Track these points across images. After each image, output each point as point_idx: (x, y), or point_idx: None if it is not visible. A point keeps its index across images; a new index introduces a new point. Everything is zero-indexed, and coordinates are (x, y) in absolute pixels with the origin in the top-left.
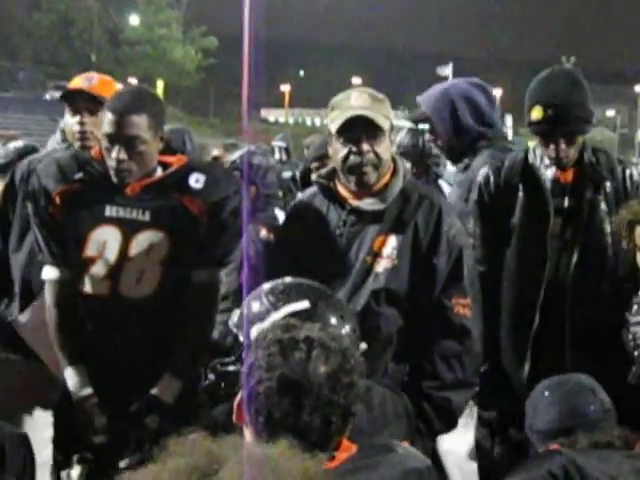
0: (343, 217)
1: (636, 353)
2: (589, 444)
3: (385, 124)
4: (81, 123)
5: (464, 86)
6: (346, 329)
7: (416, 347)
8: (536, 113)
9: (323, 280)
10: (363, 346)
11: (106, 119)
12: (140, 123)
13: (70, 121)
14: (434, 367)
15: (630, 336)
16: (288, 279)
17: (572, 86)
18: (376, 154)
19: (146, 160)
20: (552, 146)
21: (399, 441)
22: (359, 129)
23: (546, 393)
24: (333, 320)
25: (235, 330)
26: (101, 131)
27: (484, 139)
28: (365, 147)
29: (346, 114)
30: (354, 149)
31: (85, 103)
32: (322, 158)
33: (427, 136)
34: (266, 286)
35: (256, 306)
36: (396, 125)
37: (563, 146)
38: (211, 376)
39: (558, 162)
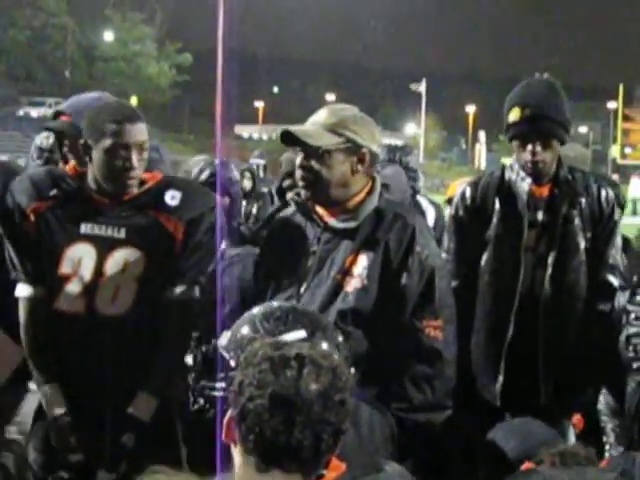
0: (318, 234)
1: (635, 365)
2: (560, 462)
3: (326, 141)
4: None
5: None
6: (339, 356)
7: (384, 369)
8: (513, 115)
9: (294, 297)
10: (352, 371)
11: (114, 130)
12: (144, 129)
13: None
14: (403, 389)
15: (630, 347)
16: (281, 304)
17: (549, 91)
18: (313, 171)
19: (143, 170)
20: (529, 147)
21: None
22: (299, 145)
23: (502, 432)
24: (332, 349)
25: (224, 353)
26: (105, 143)
27: None
28: (303, 162)
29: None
30: (296, 162)
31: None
32: (293, 174)
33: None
34: (258, 310)
35: (247, 330)
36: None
37: (539, 148)
38: (200, 400)
39: (535, 167)
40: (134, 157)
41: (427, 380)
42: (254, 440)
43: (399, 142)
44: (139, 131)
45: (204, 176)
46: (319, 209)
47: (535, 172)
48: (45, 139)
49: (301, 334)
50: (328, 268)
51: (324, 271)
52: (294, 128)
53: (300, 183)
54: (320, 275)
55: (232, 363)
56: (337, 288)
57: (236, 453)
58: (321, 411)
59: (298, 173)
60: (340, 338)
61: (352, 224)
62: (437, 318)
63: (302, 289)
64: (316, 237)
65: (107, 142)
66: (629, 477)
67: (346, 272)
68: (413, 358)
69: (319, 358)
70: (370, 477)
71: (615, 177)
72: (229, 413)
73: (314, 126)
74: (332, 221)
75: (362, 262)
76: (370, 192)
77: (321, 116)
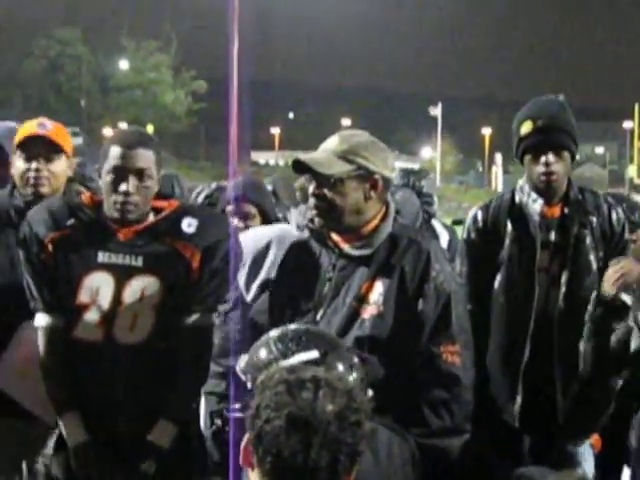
0: (333, 261)
1: None
2: None
3: (338, 170)
4: (37, 169)
5: None
6: (354, 376)
7: (402, 395)
8: (525, 128)
9: (310, 324)
10: (370, 393)
11: (113, 153)
12: (149, 157)
13: (22, 167)
14: (421, 415)
15: None
16: (296, 326)
17: (559, 106)
18: (326, 199)
19: (148, 198)
20: (542, 159)
21: None
22: (311, 173)
23: None
24: (341, 368)
25: (242, 376)
26: (105, 167)
27: None
28: (315, 191)
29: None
30: (310, 190)
31: (41, 149)
32: (238, 200)
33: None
34: (274, 333)
35: (264, 353)
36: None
37: (552, 159)
38: (218, 422)
39: (547, 180)
40: (131, 182)
41: (445, 405)
42: (271, 462)
43: (414, 166)
44: (139, 157)
45: (200, 198)
46: (334, 235)
47: (547, 186)
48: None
49: (314, 354)
50: (344, 295)
51: (340, 298)
52: (304, 157)
53: (313, 211)
54: (336, 302)
55: (249, 385)
56: (353, 315)
57: (253, 478)
58: (337, 432)
59: (311, 201)
60: (355, 359)
61: (367, 251)
62: (454, 343)
63: (318, 316)
64: (331, 264)
65: (106, 166)
66: None
67: (362, 299)
68: (431, 384)
69: (334, 381)
70: None
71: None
72: (246, 437)
73: (325, 153)
74: (347, 248)
75: (378, 289)
76: (384, 218)
77: (332, 143)
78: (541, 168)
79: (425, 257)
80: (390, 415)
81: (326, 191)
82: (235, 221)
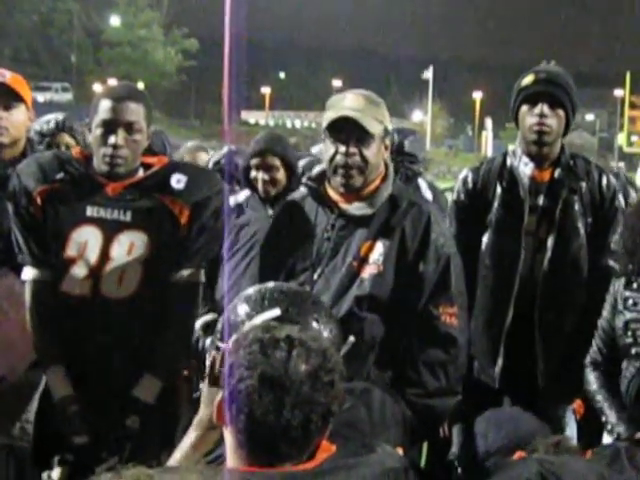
0: (332, 221)
1: (634, 351)
2: (553, 452)
3: (376, 128)
4: None
5: None
6: (324, 330)
7: (400, 354)
8: (527, 79)
9: (307, 283)
10: (351, 339)
11: (103, 106)
12: (138, 110)
13: None
14: (418, 375)
15: (629, 333)
16: (267, 285)
17: (563, 71)
18: (363, 157)
19: (137, 152)
20: (537, 109)
21: (394, 446)
22: (348, 131)
23: (491, 420)
24: (310, 323)
25: (217, 337)
26: (95, 120)
27: None
28: (352, 149)
29: (336, 114)
30: (341, 149)
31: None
32: (262, 153)
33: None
34: (245, 293)
35: (234, 315)
36: None
37: (547, 110)
38: (202, 386)
39: (540, 131)
40: (120, 135)
41: (442, 366)
42: (243, 421)
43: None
44: (129, 110)
45: (210, 165)
46: (333, 195)
47: (539, 140)
48: (45, 124)
49: (275, 312)
50: (343, 255)
51: (338, 258)
52: (352, 113)
53: (346, 171)
54: (334, 261)
55: (223, 346)
56: (353, 275)
57: (227, 435)
58: (310, 392)
59: (344, 159)
60: (323, 313)
61: (369, 211)
62: (453, 305)
63: (316, 275)
64: (330, 223)
65: (96, 119)
66: (618, 467)
67: (362, 259)
68: (429, 345)
69: (308, 340)
70: (361, 457)
71: (621, 165)
72: (219, 395)
73: (360, 113)
74: (349, 208)
75: (378, 249)
76: (384, 179)
77: (360, 103)
78: (535, 118)
79: (426, 219)
80: (387, 374)
81: (363, 149)
82: (260, 175)
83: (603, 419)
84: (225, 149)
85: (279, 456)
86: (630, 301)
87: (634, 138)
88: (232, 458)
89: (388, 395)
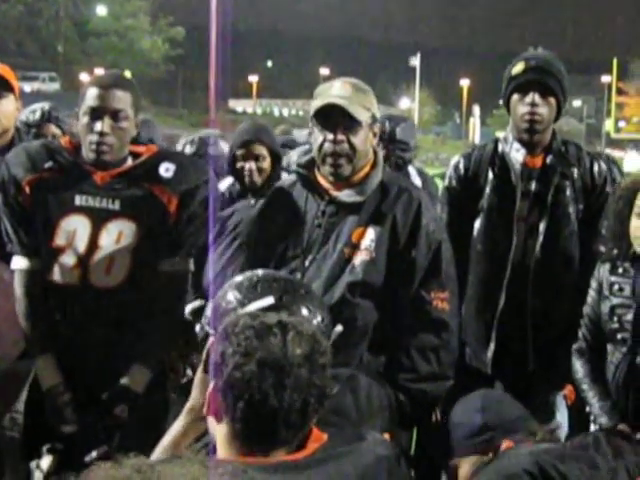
0: (322, 207)
1: (619, 336)
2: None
3: (363, 116)
4: None
5: None
6: (315, 319)
7: (392, 339)
8: (518, 67)
9: (299, 270)
10: (339, 328)
11: (90, 94)
12: (125, 98)
13: None
14: (411, 359)
15: (615, 318)
16: (258, 272)
17: (553, 57)
18: (351, 145)
19: (124, 140)
20: (528, 98)
21: (381, 433)
22: (335, 118)
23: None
24: (302, 312)
25: (206, 326)
26: (82, 108)
27: None
28: (340, 137)
29: (323, 102)
30: (329, 137)
31: None
32: (249, 143)
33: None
34: (235, 280)
35: (224, 302)
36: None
37: (538, 99)
38: (189, 372)
39: (531, 119)
40: (106, 122)
41: (434, 351)
42: (242, 408)
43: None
44: (115, 98)
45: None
46: (323, 182)
47: (531, 128)
48: (31, 114)
49: (269, 301)
50: (334, 241)
51: (330, 244)
52: (339, 100)
53: (334, 159)
54: (325, 248)
55: (212, 334)
56: (344, 261)
57: (220, 427)
58: (308, 374)
59: (332, 147)
60: (315, 302)
61: (359, 198)
62: (444, 290)
63: (307, 262)
64: (320, 210)
65: (83, 107)
66: (602, 454)
67: (353, 245)
68: (421, 330)
69: (298, 325)
70: (352, 445)
71: (608, 151)
72: (211, 386)
73: (347, 100)
74: (339, 194)
75: (370, 235)
76: (374, 166)
77: (347, 90)
78: (527, 108)
79: (416, 205)
80: (380, 359)
81: (351, 137)
82: (247, 164)
83: (587, 409)
84: (194, 136)
85: (275, 442)
86: (616, 286)
87: (621, 124)
88: (225, 450)
89: (374, 381)
